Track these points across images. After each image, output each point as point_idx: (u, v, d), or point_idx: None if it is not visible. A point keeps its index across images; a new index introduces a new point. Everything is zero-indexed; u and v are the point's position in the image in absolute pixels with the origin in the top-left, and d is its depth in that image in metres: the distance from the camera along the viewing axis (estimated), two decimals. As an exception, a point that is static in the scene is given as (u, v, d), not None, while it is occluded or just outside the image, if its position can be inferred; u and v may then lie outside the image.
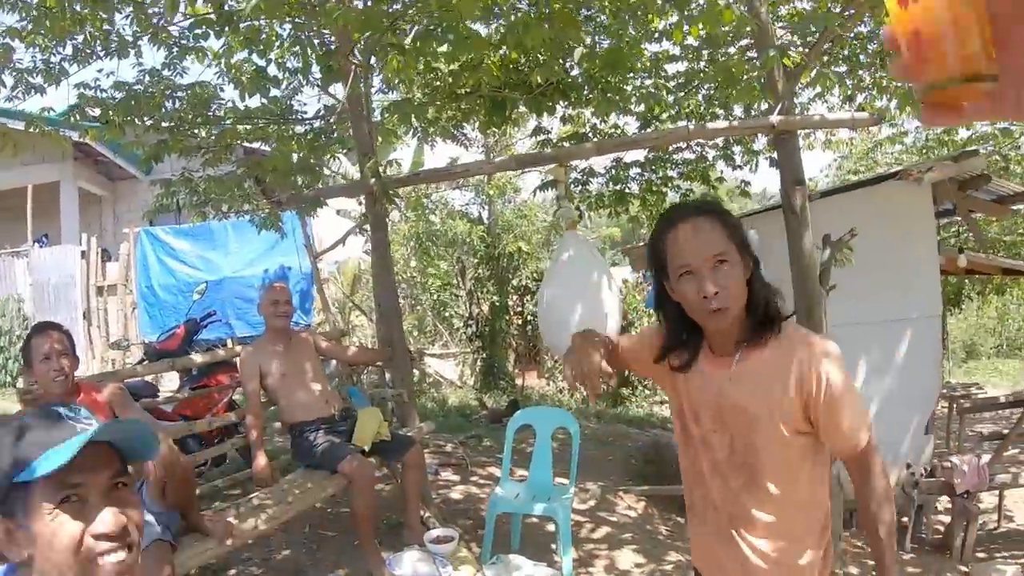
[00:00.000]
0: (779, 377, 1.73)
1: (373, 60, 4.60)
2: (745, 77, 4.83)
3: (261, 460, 4.26)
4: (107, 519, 1.20)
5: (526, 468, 5.05)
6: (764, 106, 5.25)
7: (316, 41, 5.41)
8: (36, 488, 1.17)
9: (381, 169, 4.94)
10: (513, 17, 3.79)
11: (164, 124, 5.39)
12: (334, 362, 5.73)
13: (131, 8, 4.87)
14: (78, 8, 4.73)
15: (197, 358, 5.00)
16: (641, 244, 8.29)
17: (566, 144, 6.47)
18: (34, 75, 4.99)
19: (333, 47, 4.89)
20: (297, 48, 5.11)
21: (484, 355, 10.56)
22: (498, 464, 6.00)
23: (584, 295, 4.01)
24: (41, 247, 13.77)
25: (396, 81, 6.11)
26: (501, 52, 4.94)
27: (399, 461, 4.54)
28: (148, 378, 5.51)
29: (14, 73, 4.96)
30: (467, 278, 11.08)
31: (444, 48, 3.85)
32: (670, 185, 7.08)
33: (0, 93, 5.06)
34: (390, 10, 3.94)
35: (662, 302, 1.87)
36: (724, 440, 1.82)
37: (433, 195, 12.28)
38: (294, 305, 4.77)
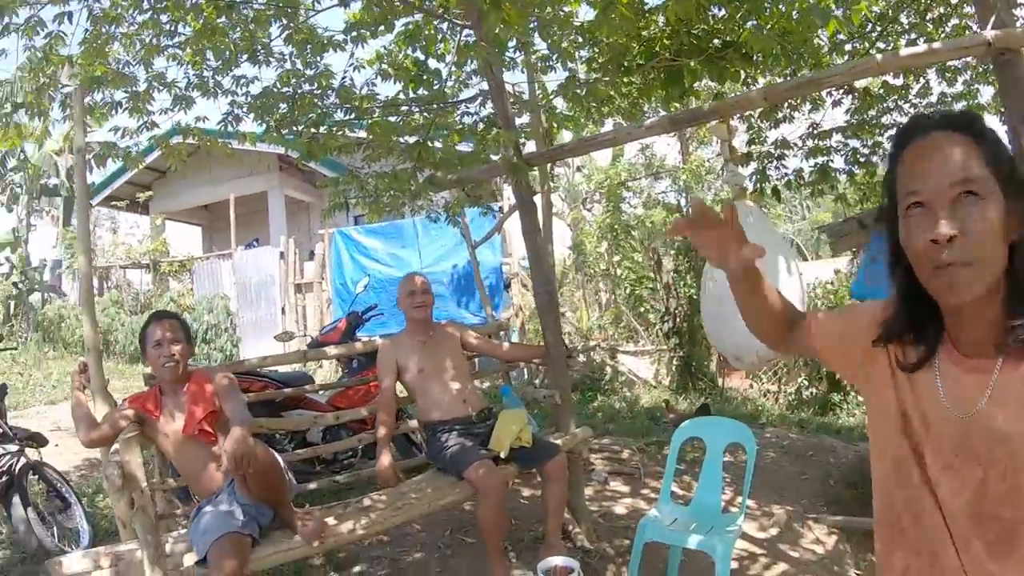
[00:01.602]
0: None
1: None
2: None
3: (385, 460, 3.97)
4: None
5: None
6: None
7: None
8: None
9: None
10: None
11: (312, 122, 5.38)
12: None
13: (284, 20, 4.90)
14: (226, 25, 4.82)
15: (331, 351, 4.87)
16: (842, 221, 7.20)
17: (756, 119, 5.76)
18: (189, 89, 5.15)
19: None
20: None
21: (681, 353, 9.81)
22: (676, 475, 5.36)
23: None
24: (248, 249, 14.91)
25: (556, 58, 5.67)
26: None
27: (540, 470, 4.04)
28: (308, 369, 5.50)
29: (168, 89, 5.13)
30: (663, 271, 10.38)
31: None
32: (880, 152, 6.07)
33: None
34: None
35: (894, 263, 1.26)
36: (968, 480, 1.19)
37: (630, 183, 11.75)
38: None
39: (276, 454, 3.35)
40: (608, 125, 7.32)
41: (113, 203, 18.29)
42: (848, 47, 5.53)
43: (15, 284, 15.76)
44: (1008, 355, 1.15)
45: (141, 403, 3.43)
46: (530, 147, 5.79)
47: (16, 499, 4.52)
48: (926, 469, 1.24)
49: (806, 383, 9.42)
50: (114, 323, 14.26)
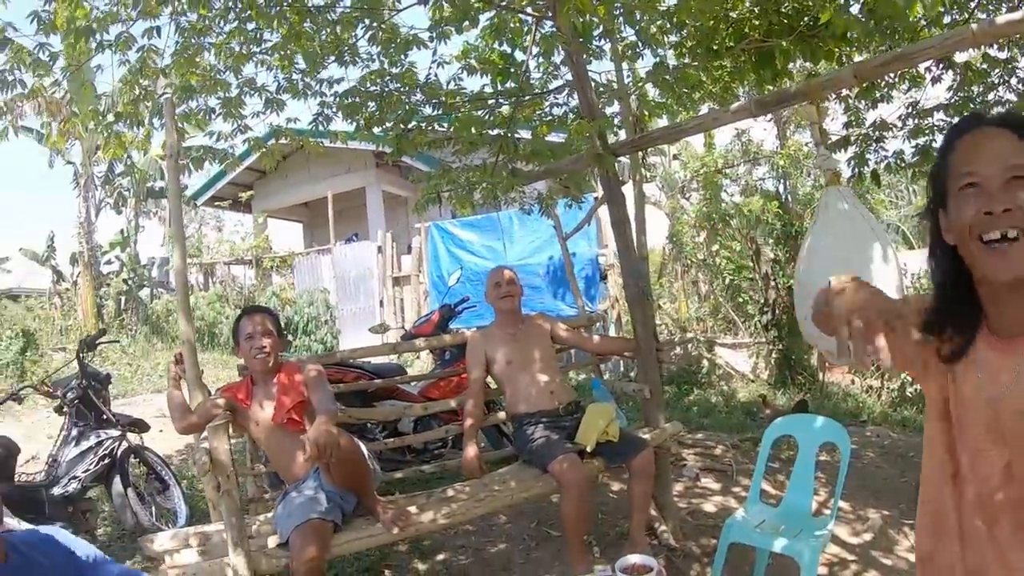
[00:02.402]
0: None
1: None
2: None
3: (471, 451, 3.96)
4: None
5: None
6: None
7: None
8: None
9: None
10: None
11: (401, 120, 5.46)
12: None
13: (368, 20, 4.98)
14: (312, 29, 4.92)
15: (421, 343, 4.93)
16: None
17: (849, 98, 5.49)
18: (279, 92, 5.34)
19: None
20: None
21: (780, 346, 9.49)
22: (770, 474, 5.19)
23: (847, 263, 3.14)
24: (345, 244, 15.30)
25: (643, 43, 5.57)
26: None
27: (626, 465, 3.96)
28: (405, 361, 5.58)
29: (258, 93, 5.28)
30: (762, 260, 10.08)
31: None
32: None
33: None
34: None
35: (935, 251, 1.36)
36: (997, 464, 1.23)
37: (727, 170, 11.47)
38: (520, 290, 4.45)
39: (359, 442, 3.41)
40: (702, 111, 7.18)
41: (217, 203, 19.09)
42: (947, 20, 5.22)
43: (125, 281, 16.52)
44: None
45: (233, 392, 3.58)
46: (621, 136, 5.70)
47: (117, 479, 4.83)
48: (961, 456, 1.30)
49: (910, 380, 8.96)
50: (219, 316, 14.87)
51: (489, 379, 4.39)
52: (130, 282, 16.61)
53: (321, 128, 5.56)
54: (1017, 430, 1.22)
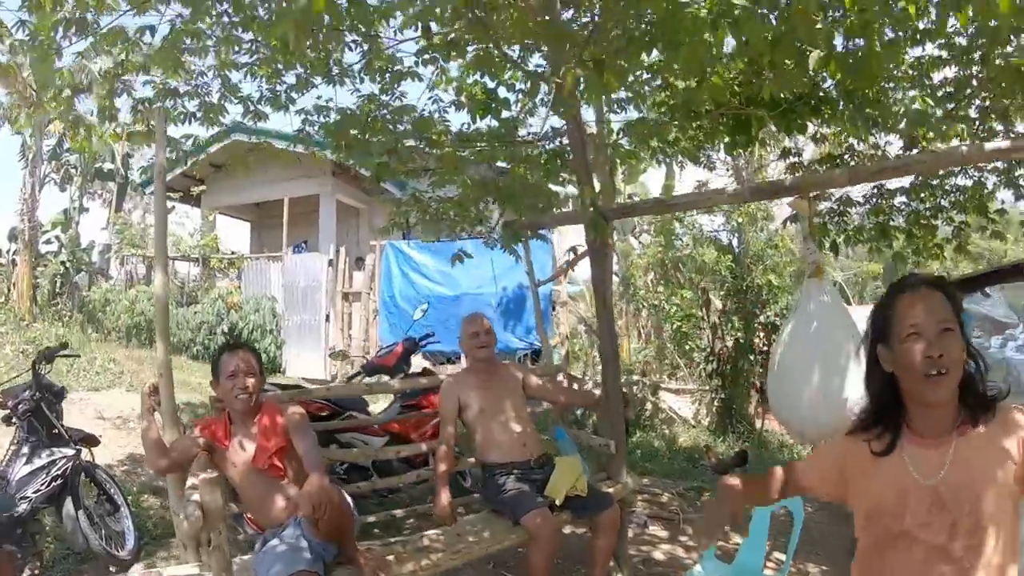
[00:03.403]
0: (1003, 449, 1.72)
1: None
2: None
3: (443, 498, 4.03)
4: None
5: (743, 536, 4.34)
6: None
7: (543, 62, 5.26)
8: None
9: (619, 191, 4.62)
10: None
11: (386, 148, 5.48)
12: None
13: (358, 37, 4.99)
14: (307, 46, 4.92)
15: (395, 384, 4.96)
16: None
17: (817, 169, 5.73)
18: (261, 103, 5.37)
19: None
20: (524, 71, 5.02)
21: (723, 395, 9.78)
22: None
23: (824, 362, 3.46)
24: (296, 253, 15.15)
25: (623, 92, 5.75)
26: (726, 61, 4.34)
27: (593, 520, 4.08)
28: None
29: (241, 102, 5.24)
30: (712, 310, 10.36)
31: (652, 57, 3.44)
32: (942, 216, 6.06)
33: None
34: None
35: (872, 371, 1.88)
36: (944, 526, 1.74)
37: (685, 219, 11.72)
38: (495, 338, 4.52)
39: (346, 495, 3.41)
40: (662, 166, 7.36)
41: (167, 194, 18.50)
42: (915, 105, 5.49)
43: (63, 263, 15.90)
44: (959, 433, 1.76)
45: (211, 431, 3.48)
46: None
47: (68, 501, 4.60)
48: (905, 529, 1.77)
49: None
50: None
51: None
52: (68, 265, 16.00)
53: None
54: (957, 501, 1.72)
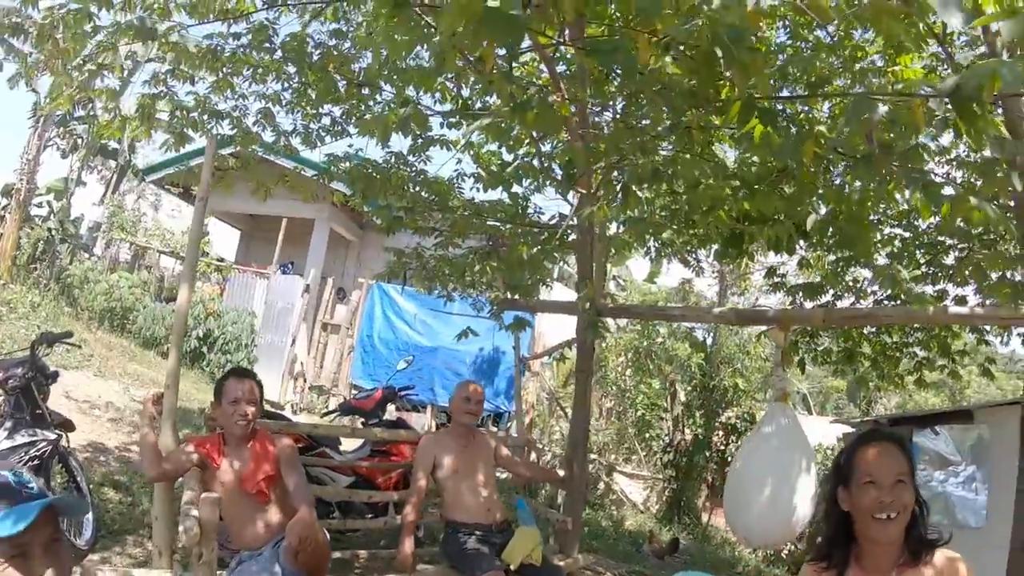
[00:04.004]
0: None
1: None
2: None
3: (407, 547, 4.21)
4: None
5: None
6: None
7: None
8: None
9: (610, 287, 4.91)
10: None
11: (402, 204, 5.77)
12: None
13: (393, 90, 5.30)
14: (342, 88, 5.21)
15: (379, 432, 5.14)
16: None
17: (799, 295, 6.11)
18: (293, 136, 5.67)
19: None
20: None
21: (675, 486, 10.07)
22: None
23: (778, 478, 3.75)
24: (283, 273, 15.20)
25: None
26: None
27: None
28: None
29: (275, 133, 5.51)
30: (677, 402, 10.71)
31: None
32: (905, 352, 6.46)
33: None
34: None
35: (831, 509, 2.12)
36: None
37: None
38: (487, 403, 4.78)
39: (326, 533, 3.60)
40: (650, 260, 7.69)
41: (167, 186, 18.35)
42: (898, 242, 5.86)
43: (50, 230, 15.76)
44: (899, 572, 1.97)
45: (207, 449, 3.61)
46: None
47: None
48: None
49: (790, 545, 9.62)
50: (137, 304, 14.29)
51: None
52: (54, 232, 15.83)
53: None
54: None
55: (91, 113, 17.41)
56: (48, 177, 18.95)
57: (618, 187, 3.60)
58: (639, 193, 3.58)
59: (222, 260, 17.61)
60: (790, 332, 4.02)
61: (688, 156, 3.35)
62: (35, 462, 4.63)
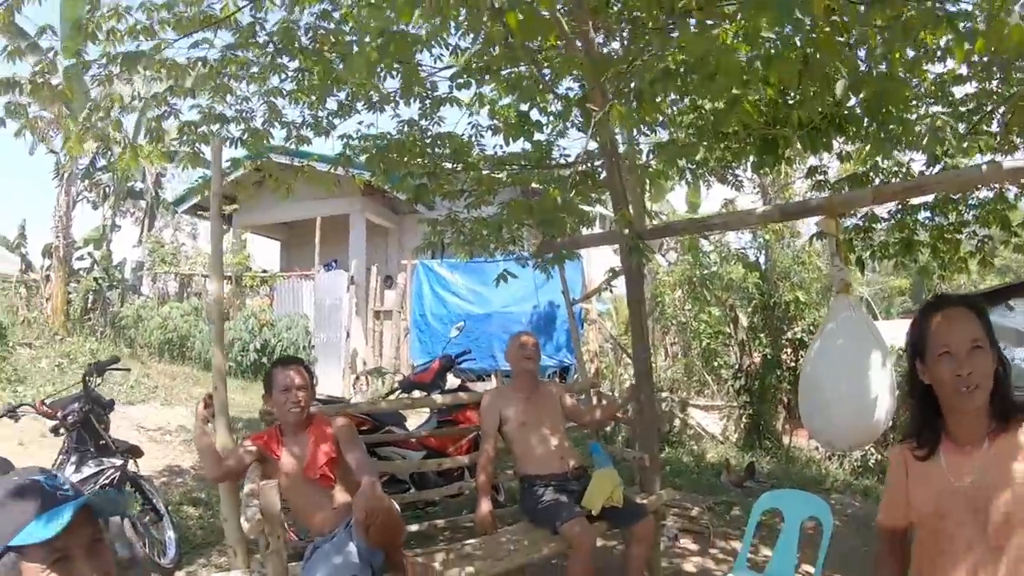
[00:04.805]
0: None
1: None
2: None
3: (484, 507, 4.18)
4: None
5: (772, 548, 4.44)
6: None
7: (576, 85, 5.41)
8: (30, 550, 1.32)
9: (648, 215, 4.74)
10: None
11: (425, 171, 5.64)
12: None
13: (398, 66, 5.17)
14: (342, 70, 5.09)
15: (438, 398, 5.07)
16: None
17: (844, 189, 5.83)
18: (304, 128, 5.58)
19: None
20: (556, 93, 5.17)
21: (751, 411, 9.86)
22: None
23: (852, 374, 3.54)
24: (328, 271, 15.34)
25: (658, 122, 5.88)
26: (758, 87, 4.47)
27: (627, 530, 4.21)
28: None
29: (284, 127, 5.42)
30: (739, 326, 10.47)
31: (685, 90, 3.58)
32: (965, 230, 6.14)
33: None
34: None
35: (913, 384, 2.01)
36: (979, 524, 1.85)
37: (710, 236, 11.82)
38: (550, 358, 4.67)
39: (395, 504, 3.55)
40: (688, 186, 7.49)
41: (199, 212, 18.83)
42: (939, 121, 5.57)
43: (96, 280, 16.19)
44: (991, 439, 1.88)
45: (264, 442, 3.60)
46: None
47: None
48: (946, 529, 1.90)
49: (872, 450, 9.37)
50: (192, 329, 14.60)
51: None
52: (100, 281, 16.26)
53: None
54: (987, 502, 1.83)
55: (111, 159, 17.79)
56: (83, 229, 19.42)
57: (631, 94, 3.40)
58: (654, 97, 3.37)
59: (265, 271, 17.77)
60: (840, 220, 3.80)
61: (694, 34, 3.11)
62: (106, 490, 4.69)
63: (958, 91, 5.30)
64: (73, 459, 4.82)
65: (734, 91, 3.34)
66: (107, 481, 4.77)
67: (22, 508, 1.35)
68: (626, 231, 4.25)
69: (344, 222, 16.14)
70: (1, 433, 7.26)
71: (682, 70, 3.31)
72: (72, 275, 16.12)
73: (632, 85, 3.48)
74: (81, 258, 18.09)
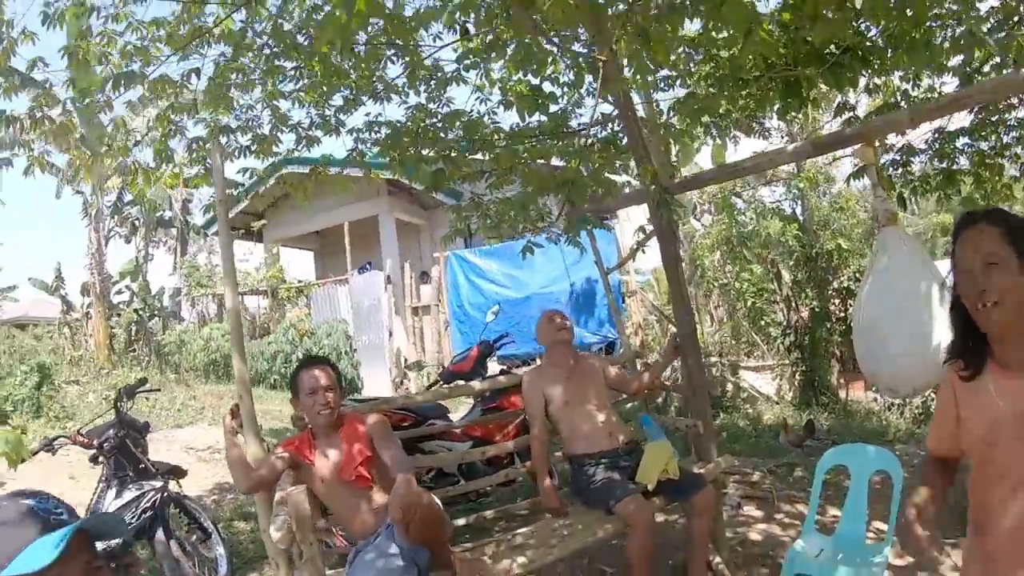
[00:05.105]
0: None
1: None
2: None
3: (547, 482, 4.06)
4: None
5: (840, 507, 4.22)
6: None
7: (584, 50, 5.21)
8: None
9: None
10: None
11: (440, 154, 5.50)
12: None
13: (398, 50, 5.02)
14: (348, 66, 4.96)
15: (476, 385, 4.94)
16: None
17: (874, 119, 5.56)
18: (312, 128, 5.44)
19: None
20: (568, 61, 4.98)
21: (804, 367, 9.56)
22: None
23: (908, 310, 3.30)
24: (361, 274, 15.39)
25: (674, 77, 5.66)
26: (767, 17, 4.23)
27: (687, 503, 4.00)
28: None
29: (292, 130, 5.31)
30: (783, 282, 10.17)
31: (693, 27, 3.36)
32: (1007, 153, 5.82)
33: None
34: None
35: (954, 305, 1.93)
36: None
37: (743, 193, 11.54)
38: (574, 328, 4.48)
39: (435, 498, 3.41)
40: (716, 140, 7.24)
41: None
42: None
43: (136, 311, 16.49)
44: None
45: (296, 447, 3.48)
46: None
47: (160, 532, 4.68)
48: (997, 456, 1.82)
49: (933, 396, 9.00)
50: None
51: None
52: (141, 312, 16.59)
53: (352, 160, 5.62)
54: None
55: (139, 192, 18.04)
56: (118, 263, 19.84)
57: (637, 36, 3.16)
58: (662, 37, 3.14)
59: (301, 281, 17.87)
60: (878, 149, 3.54)
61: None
62: (148, 513, 4.72)
63: (983, 8, 5.02)
64: (113, 485, 4.79)
65: (746, 20, 3.08)
66: (148, 504, 4.74)
67: (14, 535, 1.28)
68: (651, 187, 4.02)
69: (374, 224, 16.21)
70: (52, 468, 7.36)
71: (688, 3, 3.07)
72: (112, 309, 16.42)
73: (638, 23, 3.23)
74: (119, 292, 18.52)
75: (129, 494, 4.73)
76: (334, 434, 3.49)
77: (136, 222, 20.71)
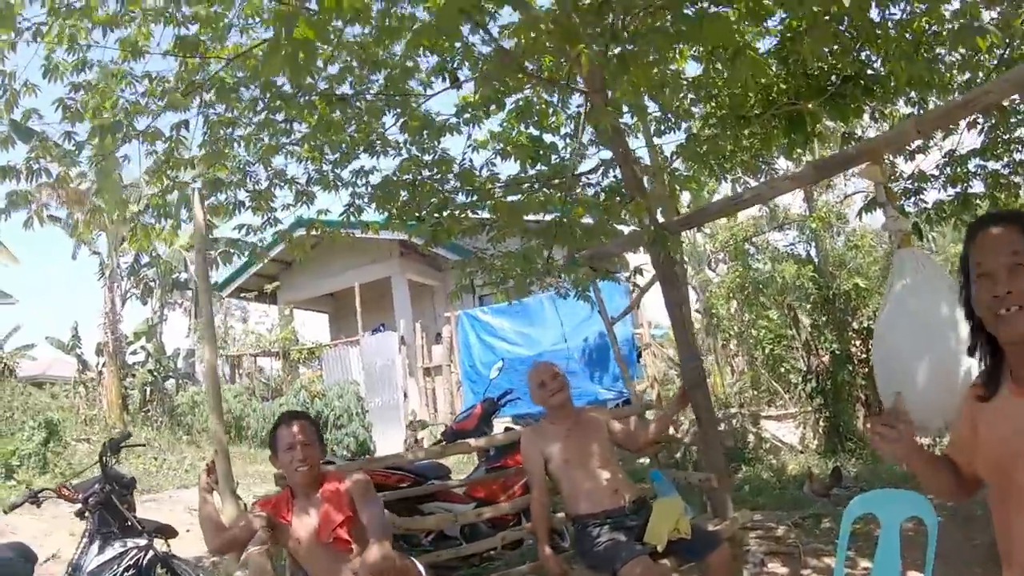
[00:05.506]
0: None
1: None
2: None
3: (547, 550, 3.81)
4: None
5: (871, 559, 3.91)
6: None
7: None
8: None
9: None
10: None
11: (437, 207, 5.41)
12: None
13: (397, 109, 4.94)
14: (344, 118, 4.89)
15: (473, 442, 4.76)
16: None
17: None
18: (310, 184, 5.40)
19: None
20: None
21: (827, 413, 9.25)
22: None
23: (932, 336, 3.05)
24: (374, 335, 15.48)
25: (675, 122, 5.56)
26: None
27: (702, 564, 3.70)
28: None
29: (287, 184, 5.40)
30: (801, 327, 9.90)
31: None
32: (1022, 172, 5.62)
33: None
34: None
35: (968, 317, 1.77)
36: None
37: (755, 239, 11.38)
38: (567, 381, 4.22)
39: (418, 563, 3.20)
40: (726, 183, 7.11)
41: (242, 294, 19.26)
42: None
43: (151, 372, 16.57)
44: None
45: (273, 507, 3.36)
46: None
47: None
48: (1017, 480, 1.63)
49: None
50: (246, 409, 14.74)
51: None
52: (155, 373, 16.69)
53: (352, 219, 5.52)
54: None
55: (155, 254, 18.38)
56: (134, 323, 20.08)
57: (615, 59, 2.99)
58: (643, 58, 2.97)
59: (313, 342, 17.89)
60: (885, 167, 3.33)
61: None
62: (131, 571, 4.51)
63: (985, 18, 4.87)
64: (96, 541, 4.60)
65: (730, 36, 2.92)
66: (131, 562, 4.54)
67: None
68: (646, 223, 3.83)
69: (386, 286, 16.31)
70: (55, 522, 7.35)
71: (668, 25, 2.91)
72: (126, 369, 16.54)
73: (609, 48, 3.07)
74: (134, 352, 18.66)
75: (112, 551, 4.53)
76: (314, 493, 3.33)
77: (152, 283, 20.98)
